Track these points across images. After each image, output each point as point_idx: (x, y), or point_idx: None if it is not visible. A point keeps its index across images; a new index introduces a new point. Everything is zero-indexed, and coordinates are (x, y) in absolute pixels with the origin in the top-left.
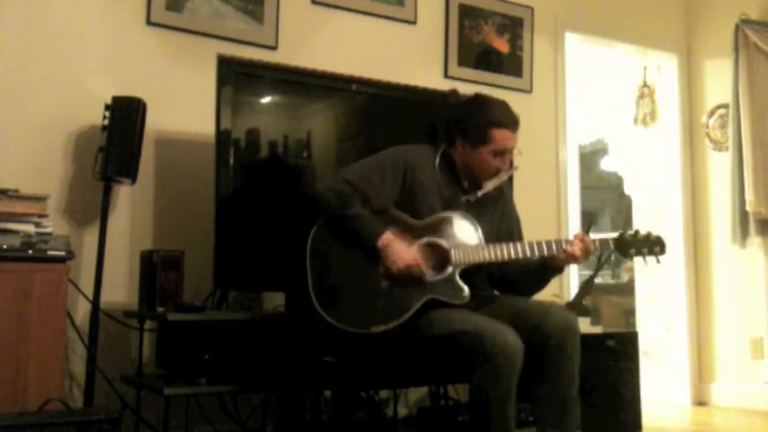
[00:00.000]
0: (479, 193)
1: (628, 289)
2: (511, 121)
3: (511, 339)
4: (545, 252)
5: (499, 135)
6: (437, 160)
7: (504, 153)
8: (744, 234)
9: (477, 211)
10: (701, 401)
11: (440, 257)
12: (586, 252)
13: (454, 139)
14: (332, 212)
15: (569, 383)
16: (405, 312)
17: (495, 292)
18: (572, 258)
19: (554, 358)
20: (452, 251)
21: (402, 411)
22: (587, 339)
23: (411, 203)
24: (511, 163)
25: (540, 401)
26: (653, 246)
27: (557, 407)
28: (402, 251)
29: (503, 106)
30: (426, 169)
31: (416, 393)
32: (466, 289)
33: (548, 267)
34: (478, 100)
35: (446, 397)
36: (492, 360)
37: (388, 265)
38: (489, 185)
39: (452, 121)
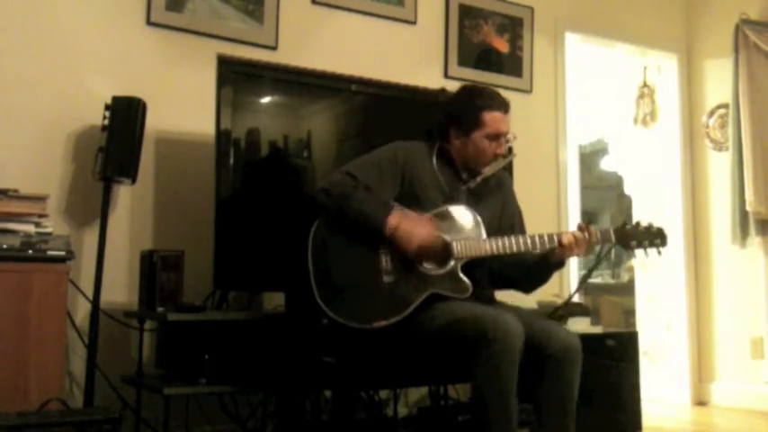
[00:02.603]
0: (479, 179)
1: (628, 289)
2: (500, 104)
3: (512, 323)
4: (546, 244)
5: (490, 118)
6: (434, 157)
7: (499, 136)
8: (744, 234)
9: (476, 202)
10: (701, 401)
11: (442, 251)
12: (588, 243)
13: (448, 133)
14: (335, 203)
15: (563, 406)
16: (406, 307)
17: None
18: (573, 247)
19: (552, 379)
20: (454, 244)
21: (402, 411)
22: (587, 339)
23: (412, 201)
24: (510, 150)
25: (538, 415)
26: (654, 238)
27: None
28: (414, 228)
29: (491, 91)
30: (424, 166)
31: (416, 393)
32: (468, 283)
33: (549, 262)
34: (466, 89)
35: (446, 397)
36: (494, 342)
37: (404, 248)
38: (488, 170)
39: (445, 115)
